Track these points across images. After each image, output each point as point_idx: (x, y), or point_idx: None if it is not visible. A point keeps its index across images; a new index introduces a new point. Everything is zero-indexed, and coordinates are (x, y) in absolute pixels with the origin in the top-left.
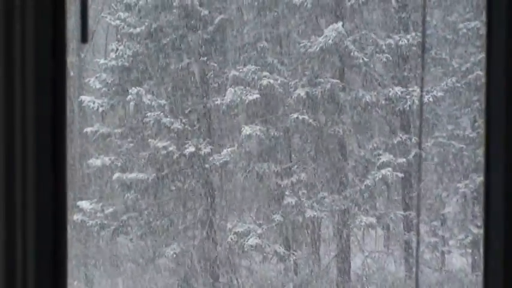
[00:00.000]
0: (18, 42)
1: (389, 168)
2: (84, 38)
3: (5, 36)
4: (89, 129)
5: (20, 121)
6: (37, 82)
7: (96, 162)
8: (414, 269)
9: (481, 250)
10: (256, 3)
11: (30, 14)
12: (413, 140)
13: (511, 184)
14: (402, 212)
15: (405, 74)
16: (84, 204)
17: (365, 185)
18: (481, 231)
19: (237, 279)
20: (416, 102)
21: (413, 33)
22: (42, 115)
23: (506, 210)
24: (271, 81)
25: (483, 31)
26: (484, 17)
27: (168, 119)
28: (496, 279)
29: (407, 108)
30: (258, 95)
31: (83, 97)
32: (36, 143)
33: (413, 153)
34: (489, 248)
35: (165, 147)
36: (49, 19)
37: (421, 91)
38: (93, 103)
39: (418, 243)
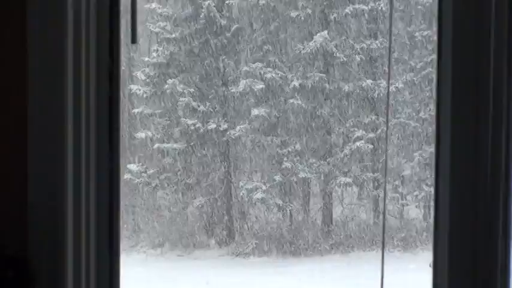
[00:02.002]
0: (84, 44)
1: (362, 141)
2: (133, 39)
3: (73, 39)
4: (136, 110)
5: (85, 104)
6: (98, 74)
7: (141, 135)
8: (381, 218)
9: (431, 203)
10: (262, 16)
11: (93, 23)
12: (380, 120)
13: (455, 153)
14: (372, 174)
15: (374, 70)
16: (132, 166)
17: (344, 154)
18: (431, 189)
19: (247, 224)
20: (383, 91)
21: (381, 39)
22: (102, 99)
23: (452, 173)
24: (273, 75)
25: (434, 38)
26: (434, 28)
27: (195, 103)
28: (444, 224)
29: (376, 96)
30: (263, 85)
31: (131, 86)
32: (97, 121)
33: (380, 130)
34: (438, 202)
35: (193, 124)
36: (107, 26)
37: (388, 83)
38: (139, 90)
39: (385, 198)
